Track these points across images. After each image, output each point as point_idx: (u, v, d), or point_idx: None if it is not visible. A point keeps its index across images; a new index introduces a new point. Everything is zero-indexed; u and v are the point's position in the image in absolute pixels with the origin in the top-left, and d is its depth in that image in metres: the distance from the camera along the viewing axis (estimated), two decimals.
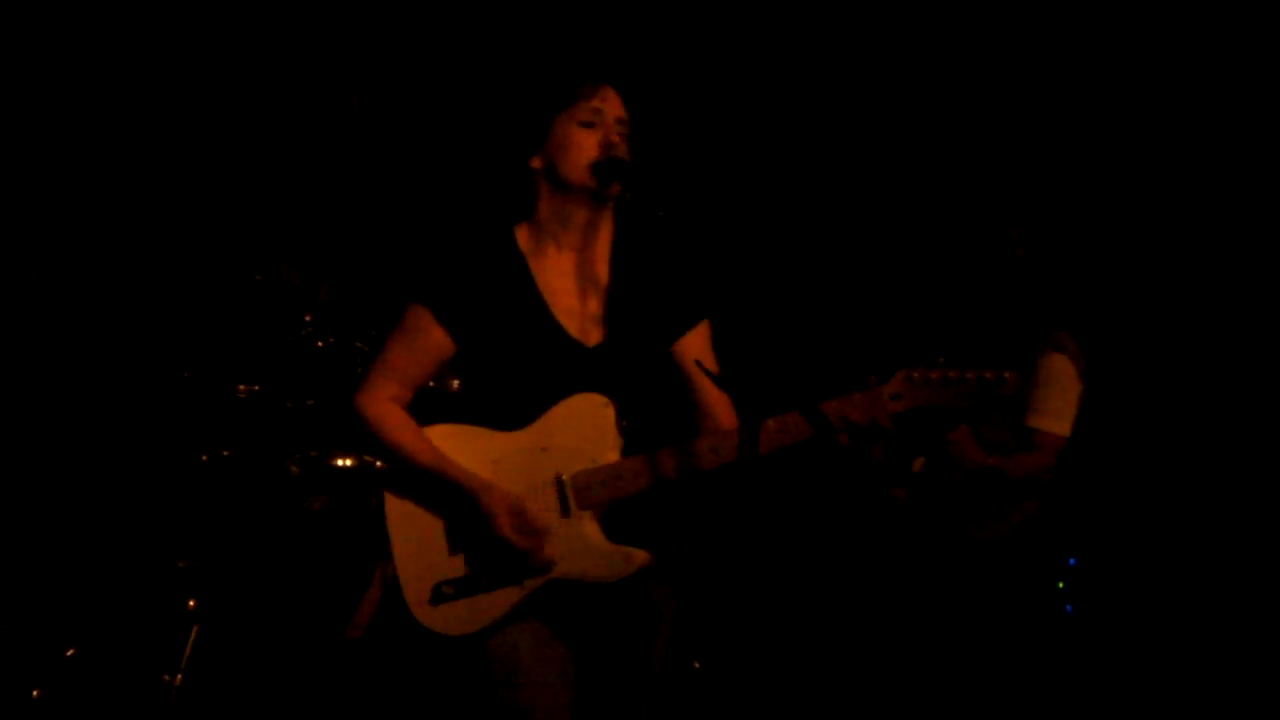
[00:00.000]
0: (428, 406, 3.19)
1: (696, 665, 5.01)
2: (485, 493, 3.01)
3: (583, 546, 3.02)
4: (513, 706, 3.00)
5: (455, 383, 4.48)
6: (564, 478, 3.03)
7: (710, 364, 3.16)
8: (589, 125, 3.12)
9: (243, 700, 4.75)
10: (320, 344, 4.91)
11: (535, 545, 3.00)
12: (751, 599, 5.28)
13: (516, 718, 2.99)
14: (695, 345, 3.19)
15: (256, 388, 4.90)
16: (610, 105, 3.14)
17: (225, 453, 4.88)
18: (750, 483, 2.81)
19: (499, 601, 3.02)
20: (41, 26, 5.25)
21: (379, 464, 4.71)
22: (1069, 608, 4.78)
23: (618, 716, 3.14)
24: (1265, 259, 5.21)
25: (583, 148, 3.10)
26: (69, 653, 4.73)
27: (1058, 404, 4.46)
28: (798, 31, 5.73)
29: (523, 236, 3.19)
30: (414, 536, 3.07)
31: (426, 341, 3.13)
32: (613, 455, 3.05)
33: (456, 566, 3.04)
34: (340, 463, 4.83)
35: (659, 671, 3.19)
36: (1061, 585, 4.76)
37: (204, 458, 4.87)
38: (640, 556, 3.04)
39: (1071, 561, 4.87)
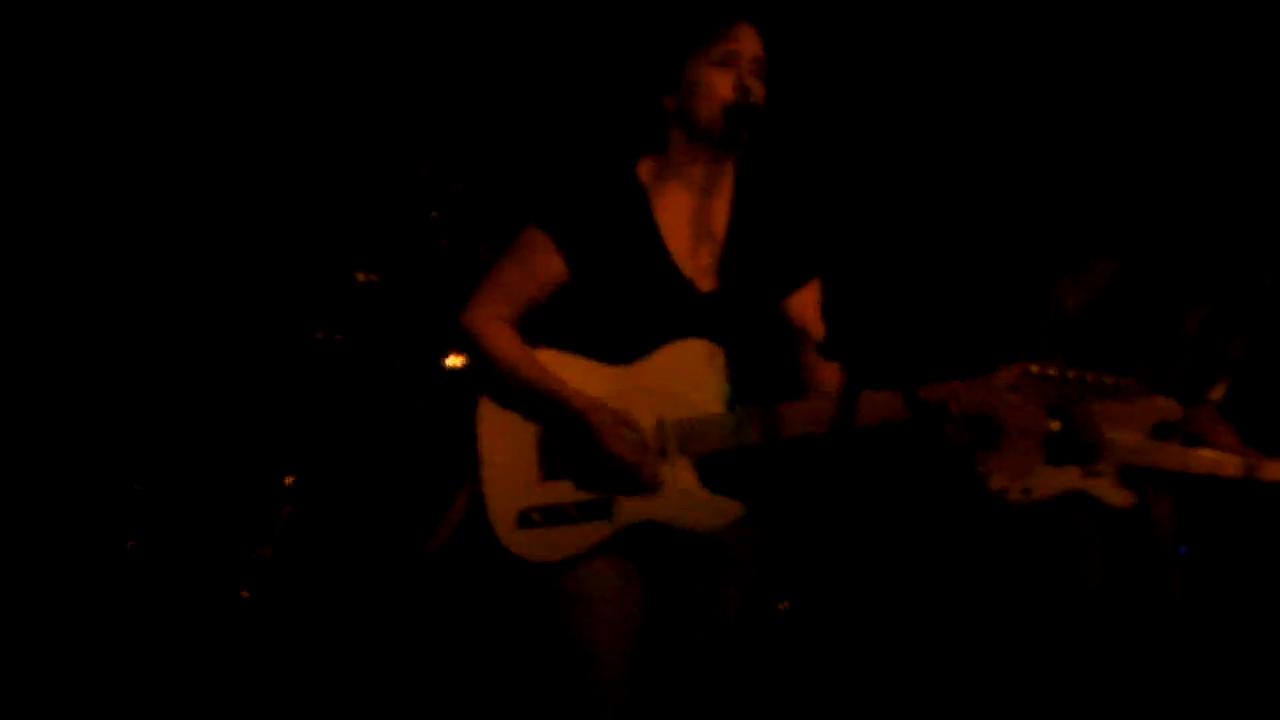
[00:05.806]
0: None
1: (783, 606, 4.96)
2: (596, 410, 2.96)
3: (679, 492, 2.98)
4: (578, 639, 2.96)
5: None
6: (666, 421, 2.99)
7: (816, 324, 3.10)
8: (723, 65, 3.03)
9: (323, 584, 4.82)
10: (444, 241, 4.92)
11: (645, 460, 2.95)
12: (840, 545, 5.20)
13: (580, 651, 2.95)
14: (805, 304, 3.13)
15: (375, 277, 4.92)
16: (746, 44, 3.04)
17: (338, 336, 4.92)
18: (842, 452, 2.74)
19: (586, 535, 2.97)
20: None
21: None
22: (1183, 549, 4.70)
23: (685, 660, 3.11)
24: None
25: (716, 89, 3.02)
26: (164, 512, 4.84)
27: None
28: None
29: (645, 170, 3.13)
30: (506, 457, 3.01)
31: (540, 265, 3.08)
32: (717, 406, 3.00)
33: (547, 493, 2.99)
34: (450, 363, 4.84)
35: (734, 615, 3.14)
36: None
37: (318, 335, 4.92)
38: (734, 509, 2.99)
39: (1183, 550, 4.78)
